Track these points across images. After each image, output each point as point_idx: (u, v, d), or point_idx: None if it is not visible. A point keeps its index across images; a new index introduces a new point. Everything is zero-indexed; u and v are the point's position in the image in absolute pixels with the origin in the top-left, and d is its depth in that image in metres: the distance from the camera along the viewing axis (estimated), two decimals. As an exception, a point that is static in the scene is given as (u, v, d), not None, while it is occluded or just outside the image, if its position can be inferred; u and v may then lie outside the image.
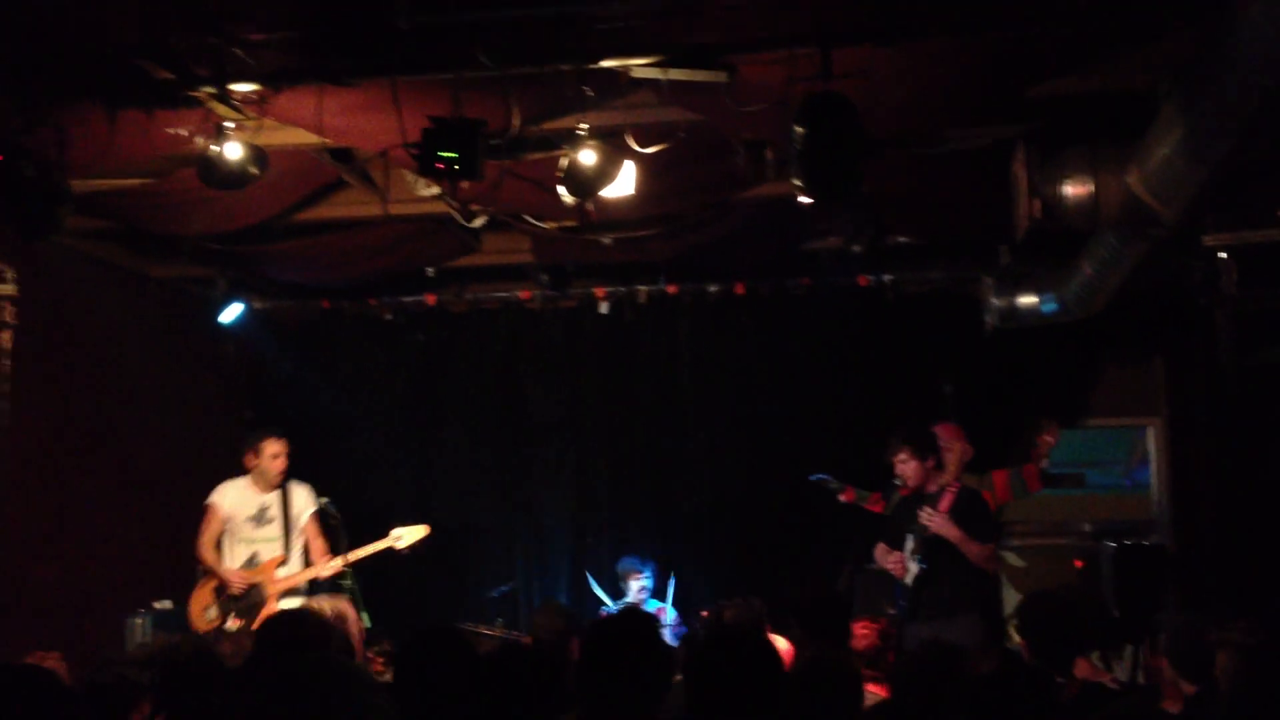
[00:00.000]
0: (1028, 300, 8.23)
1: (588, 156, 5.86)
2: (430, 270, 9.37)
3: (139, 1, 5.03)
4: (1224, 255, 6.56)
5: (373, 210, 7.39)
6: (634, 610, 7.74)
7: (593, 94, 5.54)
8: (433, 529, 9.51)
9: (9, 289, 7.16)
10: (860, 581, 8.43)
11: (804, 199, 5.49)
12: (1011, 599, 8.91)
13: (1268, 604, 7.21)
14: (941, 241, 8.88)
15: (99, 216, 7.46)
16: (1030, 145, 6.13)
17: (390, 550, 7.82)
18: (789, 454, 9.51)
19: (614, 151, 5.96)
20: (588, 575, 9.26)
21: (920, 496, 7.13)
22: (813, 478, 8.91)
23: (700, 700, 3.50)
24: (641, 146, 6.08)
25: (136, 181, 7.02)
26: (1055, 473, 8.76)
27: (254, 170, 6.00)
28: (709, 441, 9.85)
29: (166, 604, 8.15)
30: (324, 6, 5.18)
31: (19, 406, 7.26)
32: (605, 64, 5.33)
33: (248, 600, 7.59)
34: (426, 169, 5.49)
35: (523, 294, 9.83)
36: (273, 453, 7.77)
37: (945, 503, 6.94)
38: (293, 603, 7.29)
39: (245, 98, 5.62)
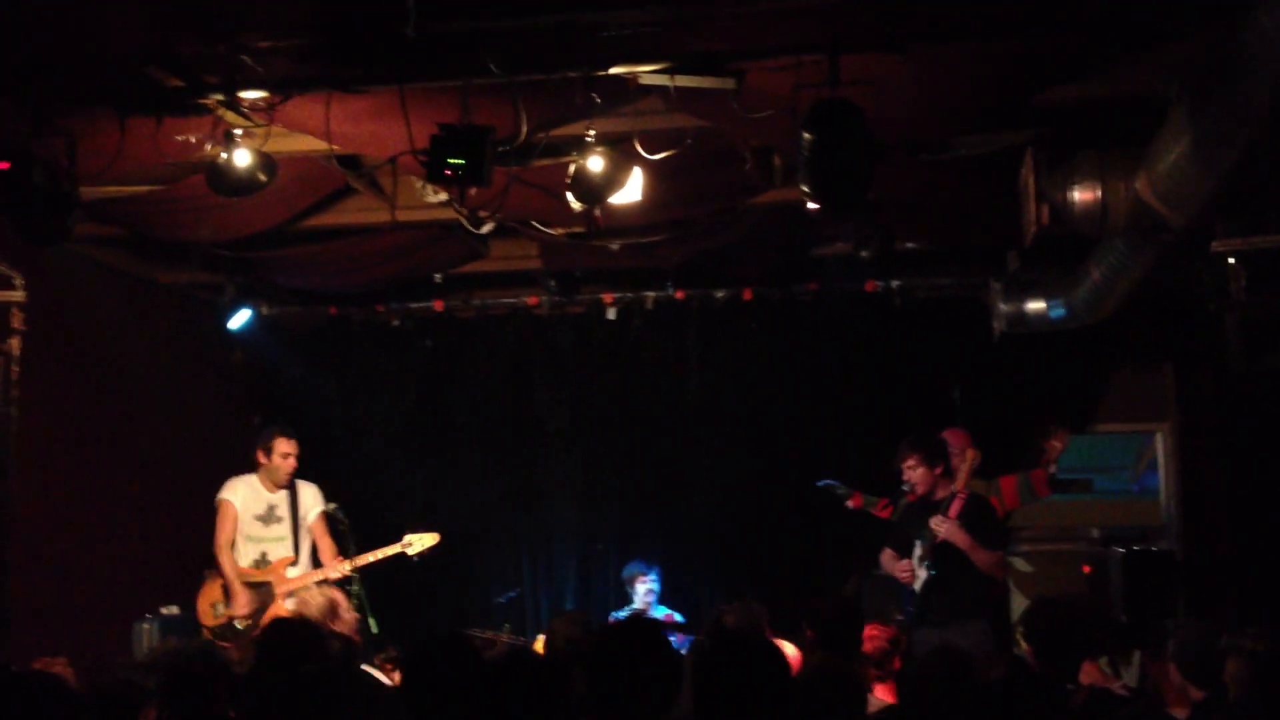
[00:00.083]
0: (1036, 306, 8.22)
1: (596, 163, 5.86)
2: (438, 276, 9.38)
3: (148, 9, 5.04)
4: (1233, 261, 6.54)
5: (381, 217, 7.40)
6: (641, 618, 7.77)
7: (601, 101, 5.55)
8: (441, 534, 9.54)
9: (18, 295, 7.17)
10: (867, 587, 8.42)
11: (812, 205, 5.49)
12: (1020, 605, 8.88)
13: (1277, 610, 7.19)
14: (950, 247, 8.88)
15: (108, 223, 7.47)
16: (1039, 151, 6.12)
17: (401, 556, 7.81)
18: (797, 460, 9.51)
19: (622, 158, 5.96)
20: None
21: (928, 503, 7.12)
22: (820, 483, 8.90)
23: (708, 706, 3.50)
24: (649, 153, 6.09)
25: (145, 188, 7.04)
26: (1063, 478, 8.73)
27: (262, 177, 6.02)
28: (716, 447, 9.84)
29: (174, 609, 8.16)
30: (332, 14, 5.18)
31: (27, 412, 7.27)
32: (613, 71, 5.34)
33: (256, 598, 7.60)
34: (435, 175, 5.51)
35: (531, 300, 9.83)
36: (283, 451, 7.76)
37: (954, 509, 6.93)
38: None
39: (254, 105, 5.63)
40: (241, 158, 5.88)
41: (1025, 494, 8.31)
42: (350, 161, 6.88)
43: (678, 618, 8.71)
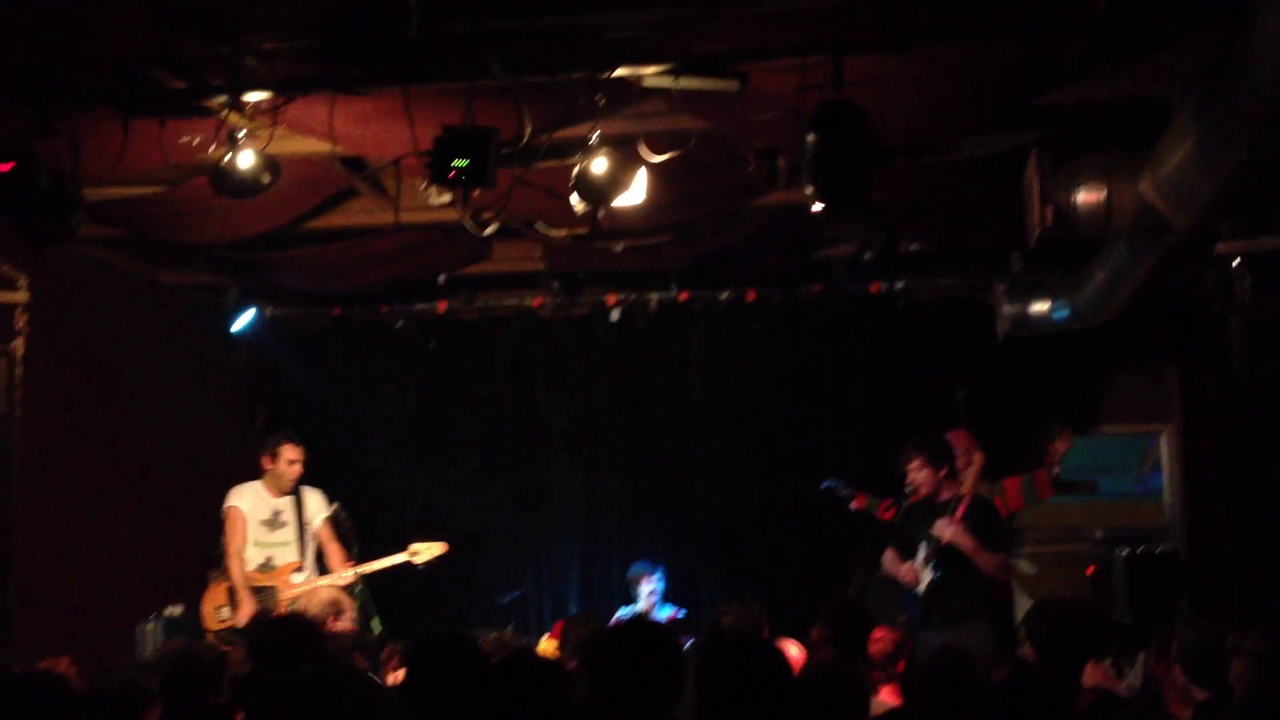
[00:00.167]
0: (1040, 307, 8.22)
1: (599, 164, 5.86)
2: (441, 278, 9.38)
3: (152, 11, 5.04)
4: (1237, 262, 6.54)
5: (384, 218, 7.40)
6: (643, 619, 7.77)
7: (604, 102, 5.55)
8: (443, 534, 9.53)
9: (22, 296, 7.19)
10: (870, 588, 8.42)
11: (816, 207, 5.49)
12: (1024, 606, 8.88)
13: (1281, 612, 7.19)
14: (953, 249, 8.88)
15: (111, 224, 7.48)
16: (1043, 152, 6.11)
17: (407, 565, 7.80)
18: (800, 461, 9.50)
19: (626, 160, 5.96)
20: None
21: (931, 505, 7.13)
22: (824, 485, 8.90)
23: (711, 707, 3.50)
24: (653, 154, 6.08)
25: (149, 190, 7.05)
26: (1067, 479, 8.73)
27: (266, 179, 6.02)
28: (720, 448, 9.84)
29: (177, 609, 8.16)
30: (336, 16, 5.18)
31: (31, 413, 7.29)
32: (617, 73, 5.33)
33: (260, 604, 7.60)
34: (439, 177, 5.50)
35: (534, 301, 9.83)
36: (289, 458, 7.76)
37: (959, 512, 6.94)
38: None
39: (258, 106, 5.64)
40: (245, 159, 5.88)
41: (1029, 495, 8.30)
42: (354, 163, 6.89)
43: (682, 614, 8.72)
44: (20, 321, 7.23)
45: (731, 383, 9.80)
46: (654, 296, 9.71)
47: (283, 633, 4.60)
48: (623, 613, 8.78)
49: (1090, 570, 9.32)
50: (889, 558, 7.36)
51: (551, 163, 6.18)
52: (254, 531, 7.74)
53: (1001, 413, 8.94)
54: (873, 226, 8.09)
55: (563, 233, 7.91)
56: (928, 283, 9.32)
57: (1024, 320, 8.30)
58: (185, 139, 5.88)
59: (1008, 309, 8.32)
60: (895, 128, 5.47)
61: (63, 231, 5.96)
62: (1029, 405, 9.12)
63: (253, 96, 5.55)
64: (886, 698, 5.33)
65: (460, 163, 5.38)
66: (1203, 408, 9.40)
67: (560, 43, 5.18)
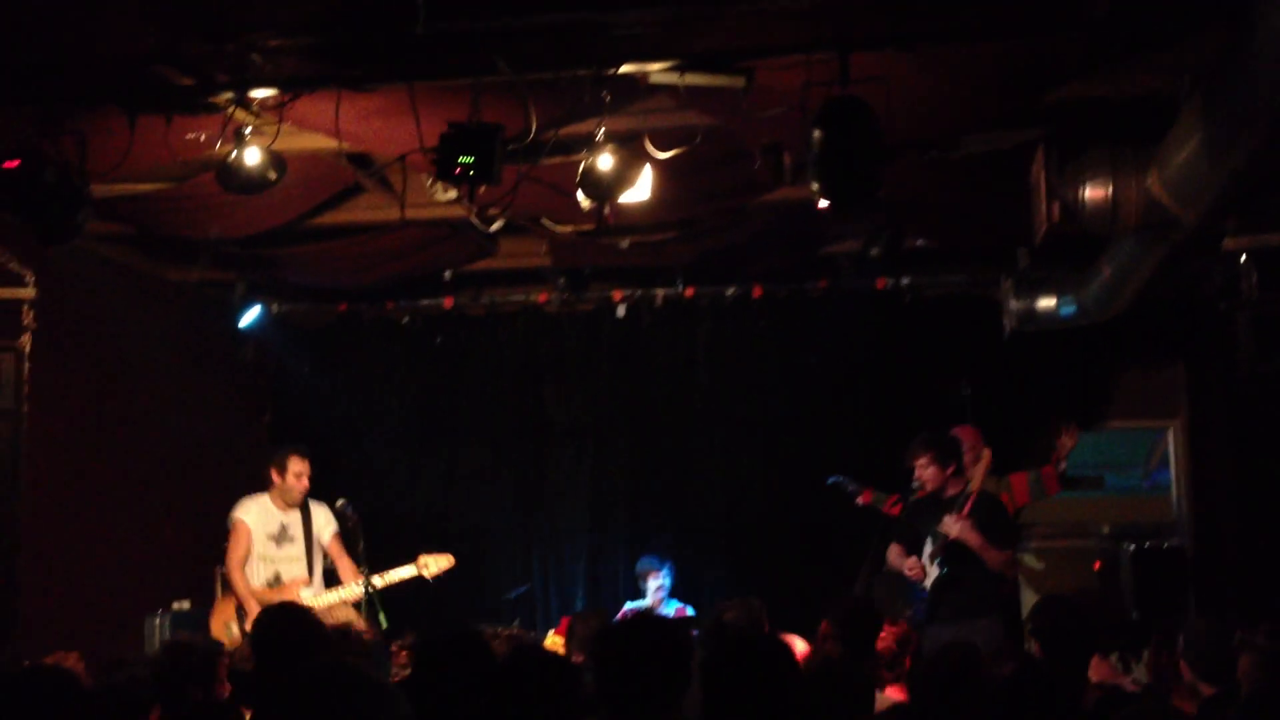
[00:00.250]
0: (1046, 303, 8.21)
1: (605, 161, 5.86)
2: (448, 274, 9.38)
3: (158, 8, 5.04)
4: (1244, 258, 6.54)
5: (390, 214, 7.40)
6: (649, 614, 7.77)
7: (610, 99, 5.54)
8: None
9: (28, 293, 7.20)
10: (877, 584, 8.42)
11: (822, 203, 5.49)
12: (1030, 602, 8.88)
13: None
14: (960, 245, 8.87)
15: (118, 221, 7.49)
16: (1049, 149, 6.11)
17: (418, 578, 7.80)
18: (806, 456, 9.50)
19: (631, 156, 5.96)
20: None
21: (937, 500, 7.13)
22: (830, 480, 8.90)
23: (716, 702, 3.50)
24: (659, 151, 6.08)
25: (156, 186, 7.06)
26: (1074, 475, 8.72)
27: (272, 175, 6.03)
28: (726, 444, 9.85)
29: (185, 604, 8.18)
30: (342, 13, 5.18)
31: (38, 409, 7.30)
32: (623, 69, 5.33)
33: None
34: (445, 173, 5.50)
35: (540, 297, 9.84)
36: (297, 470, 7.72)
37: (966, 508, 6.94)
38: None
39: (264, 103, 5.64)
40: (251, 156, 5.89)
41: (1036, 491, 8.30)
42: (360, 159, 6.89)
43: (690, 612, 8.72)
44: (27, 318, 7.25)
45: (737, 379, 9.81)
46: (660, 292, 9.71)
47: (286, 629, 4.59)
48: (629, 608, 8.79)
49: (1097, 566, 9.32)
50: (894, 553, 7.36)
51: (557, 159, 6.18)
52: (261, 546, 7.70)
53: (1008, 408, 8.95)
54: (879, 223, 8.09)
55: (569, 229, 7.91)
56: (934, 279, 9.31)
57: (1030, 316, 8.29)
58: (192, 136, 5.88)
59: (1014, 305, 8.32)
60: (901, 124, 5.46)
61: (69, 228, 5.96)
62: (1035, 401, 9.12)
63: (259, 93, 5.55)
64: (892, 694, 5.32)
65: (466, 159, 5.38)
66: (1210, 403, 9.40)
67: (566, 39, 5.17)
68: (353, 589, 7.51)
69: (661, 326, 9.87)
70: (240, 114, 5.69)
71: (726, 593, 8.94)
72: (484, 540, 9.87)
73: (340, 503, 7.83)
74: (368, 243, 8.30)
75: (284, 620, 4.67)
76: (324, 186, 7.35)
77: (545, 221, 7.82)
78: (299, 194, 7.12)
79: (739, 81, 5.39)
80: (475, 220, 7.24)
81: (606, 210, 6.31)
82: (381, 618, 7.31)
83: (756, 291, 9.61)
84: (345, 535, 7.81)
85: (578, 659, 5.33)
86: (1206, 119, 4.85)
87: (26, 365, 7.19)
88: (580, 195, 6.01)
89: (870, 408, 9.44)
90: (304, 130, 6.06)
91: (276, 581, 7.64)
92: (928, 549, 7.07)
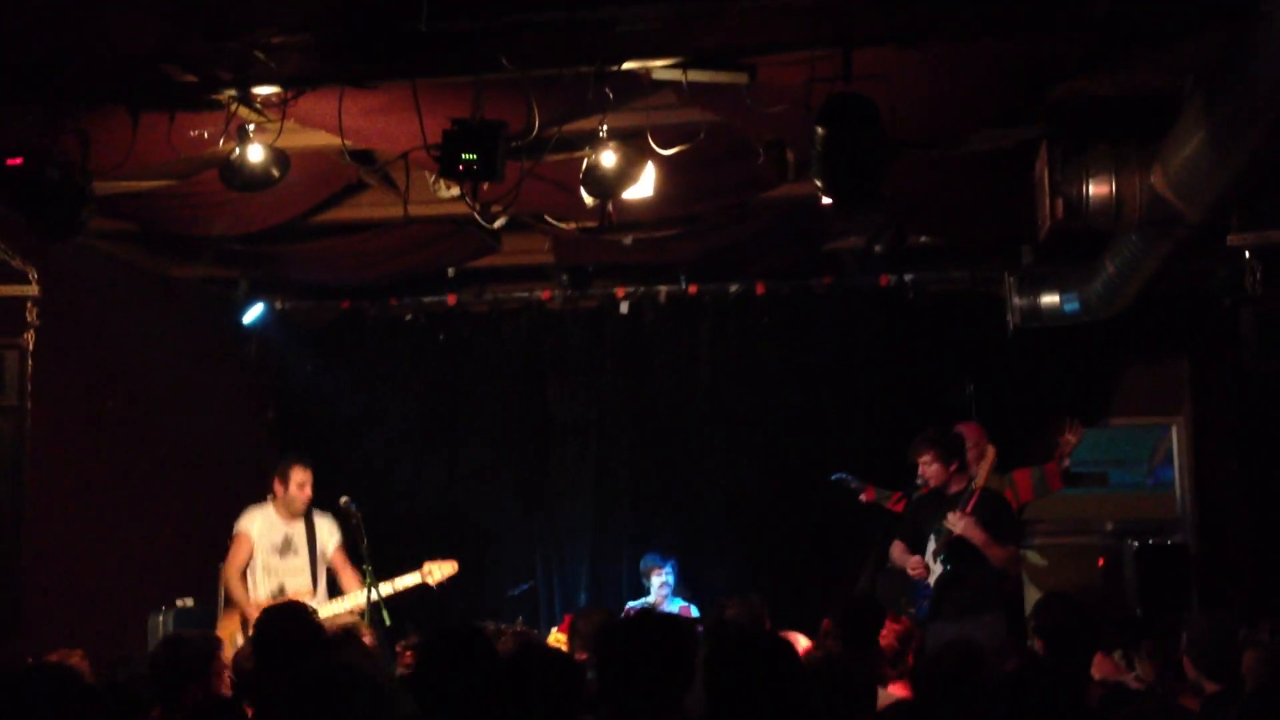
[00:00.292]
0: (1050, 300, 8.21)
1: (608, 158, 5.86)
2: (451, 271, 9.38)
3: (161, 6, 5.04)
4: (1248, 255, 6.52)
5: (393, 211, 7.40)
6: (651, 612, 7.77)
7: (613, 96, 5.54)
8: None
9: (32, 290, 7.20)
10: (880, 581, 8.42)
11: (825, 200, 5.48)
12: (1034, 598, 8.88)
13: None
14: (963, 241, 8.86)
15: (121, 218, 7.49)
16: (1053, 145, 6.10)
17: (423, 585, 7.80)
18: (809, 453, 9.50)
19: (635, 153, 5.96)
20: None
21: (940, 497, 7.13)
22: (834, 477, 8.89)
23: (720, 699, 3.50)
24: (662, 148, 6.08)
25: (159, 184, 7.06)
26: (1078, 471, 8.71)
27: (275, 172, 6.03)
28: (729, 440, 9.85)
29: (188, 602, 8.19)
30: (345, 9, 5.18)
31: (42, 406, 7.30)
32: (626, 66, 5.33)
33: None
34: (448, 170, 5.51)
35: (543, 294, 9.85)
36: (299, 481, 7.69)
37: (970, 505, 6.94)
38: None
39: (267, 100, 5.64)
40: (255, 153, 5.89)
41: (1039, 487, 8.29)
42: (363, 156, 6.88)
43: (693, 610, 8.72)
44: (30, 315, 7.24)
45: (741, 375, 9.80)
46: (663, 289, 9.72)
47: (288, 629, 4.60)
48: (632, 605, 8.79)
49: (1101, 562, 9.31)
50: (897, 550, 7.36)
51: (560, 156, 6.18)
52: (265, 558, 7.66)
53: (1012, 405, 8.95)
54: (882, 219, 8.08)
55: (572, 226, 7.91)
56: (938, 275, 9.31)
57: (1034, 313, 8.29)
58: (195, 133, 5.88)
59: (1018, 301, 8.31)
60: (904, 121, 5.46)
61: (73, 225, 5.97)
62: (1039, 398, 9.11)
63: (262, 90, 5.56)
64: (897, 690, 5.32)
65: (469, 156, 5.38)
66: (1214, 400, 9.39)
67: (568, 36, 5.17)
68: (356, 598, 7.49)
69: (665, 323, 9.87)
70: (243, 111, 5.70)
71: (729, 590, 8.96)
72: (487, 537, 9.88)
73: (343, 500, 7.81)
74: (371, 240, 8.31)
75: (286, 620, 4.68)
76: (327, 184, 7.35)
77: (548, 218, 7.81)
78: (302, 191, 7.12)
79: (742, 78, 5.39)
80: (478, 217, 7.23)
81: (609, 207, 6.31)
82: (385, 615, 7.31)
83: (760, 288, 9.61)
84: (348, 532, 7.81)
85: (581, 657, 5.33)
86: (1209, 116, 4.85)
87: (30, 362, 7.19)
88: (583, 192, 6.01)
89: (874, 405, 9.43)
90: (307, 127, 6.06)
91: (281, 593, 7.60)
92: (931, 546, 7.07)
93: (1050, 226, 6.21)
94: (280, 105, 5.66)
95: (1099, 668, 5.33)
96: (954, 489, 7.11)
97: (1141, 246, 6.65)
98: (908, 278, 9.28)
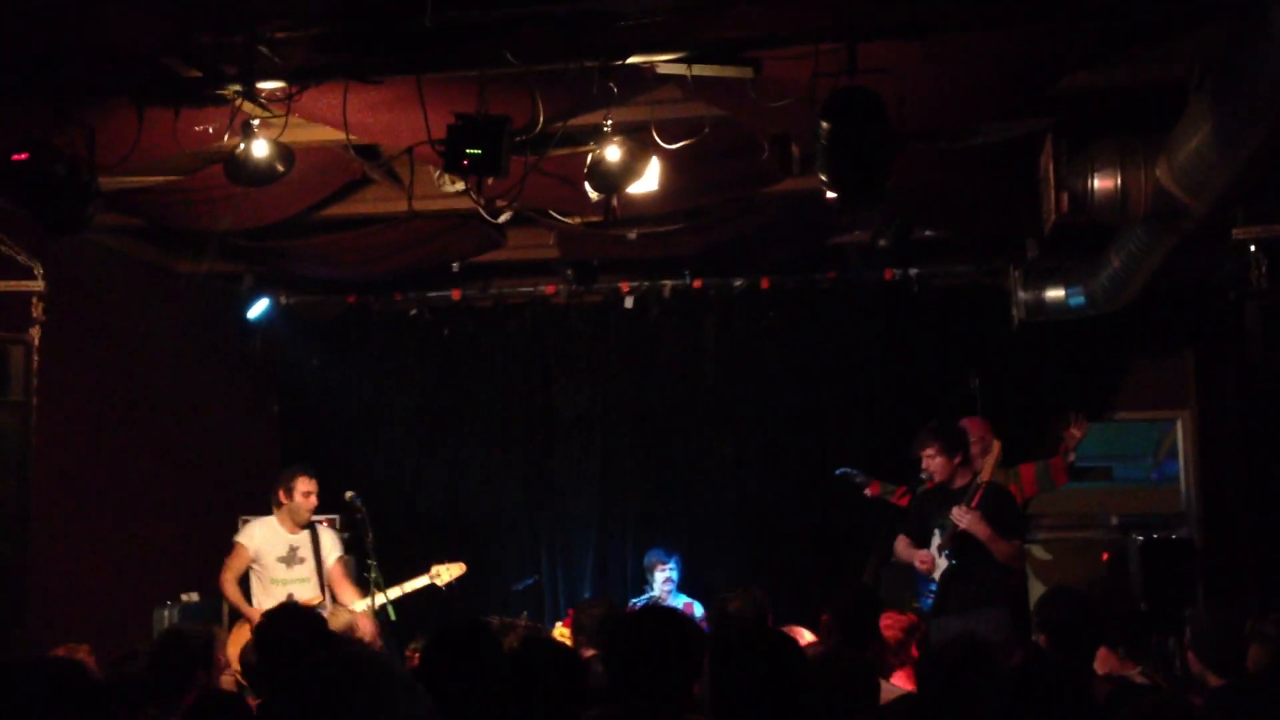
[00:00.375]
0: (1055, 294, 8.21)
1: (613, 152, 5.86)
2: (455, 265, 9.38)
3: (166, 1, 5.04)
4: (1254, 248, 6.51)
5: (398, 206, 7.40)
6: (657, 607, 7.78)
7: (618, 90, 5.53)
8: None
9: (37, 285, 7.20)
10: (885, 575, 8.43)
11: (830, 194, 5.48)
12: (1039, 592, 8.88)
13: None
14: (968, 235, 8.86)
15: (127, 213, 7.49)
16: (1058, 139, 6.10)
17: (430, 587, 7.81)
18: (814, 447, 9.51)
19: (639, 147, 5.95)
20: None
21: (945, 491, 7.12)
22: (838, 471, 8.90)
23: (725, 691, 3.50)
24: (667, 142, 6.07)
25: (164, 179, 7.06)
26: (1083, 466, 8.72)
27: (280, 167, 6.03)
28: (734, 435, 9.85)
29: (193, 596, 8.21)
30: (349, 4, 5.18)
31: (47, 401, 7.30)
32: (630, 60, 5.32)
33: None
34: (452, 165, 5.50)
35: (548, 289, 9.86)
36: (305, 490, 7.67)
37: (975, 500, 6.94)
38: None
39: (272, 95, 5.63)
40: (259, 148, 5.88)
41: (1044, 482, 8.30)
42: (368, 151, 6.89)
43: (697, 605, 8.73)
44: (36, 310, 7.24)
45: (745, 370, 9.81)
46: (668, 284, 9.72)
47: (290, 628, 4.60)
48: (636, 600, 8.80)
49: (1105, 557, 9.31)
50: (901, 544, 7.36)
51: (565, 151, 6.17)
52: (271, 569, 7.64)
53: (1017, 399, 8.94)
54: (887, 213, 8.08)
55: (576, 220, 7.90)
56: (943, 269, 9.31)
57: (1039, 307, 8.28)
58: (200, 128, 5.88)
59: (1023, 295, 8.31)
60: (909, 114, 5.45)
61: (78, 220, 5.96)
62: (1044, 392, 9.12)
63: (267, 85, 5.54)
64: (900, 681, 5.33)
65: (474, 151, 5.38)
66: (1219, 394, 9.38)
67: (573, 31, 5.16)
68: (364, 602, 7.49)
69: (669, 318, 9.87)
70: (248, 106, 5.69)
71: (733, 583, 8.97)
72: (491, 532, 9.90)
73: (348, 495, 7.83)
74: (375, 235, 8.30)
75: (288, 620, 4.69)
76: (332, 178, 7.35)
77: (553, 213, 7.81)
78: (307, 186, 7.12)
79: (747, 72, 5.38)
80: (483, 212, 7.23)
81: (614, 202, 6.30)
82: (390, 610, 7.32)
83: (764, 283, 9.62)
84: (353, 527, 7.81)
85: (587, 653, 5.33)
86: (1215, 109, 4.84)
87: (35, 358, 7.19)
88: (588, 187, 6.01)
89: (878, 399, 9.44)
90: (312, 122, 6.06)
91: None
92: (936, 540, 7.07)
93: (1055, 220, 6.21)
94: (285, 100, 5.65)
95: (1103, 663, 5.33)
96: (959, 483, 7.11)
97: (1146, 240, 6.64)
98: (912, 272, 9.28)
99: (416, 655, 6.63)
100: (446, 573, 7.88)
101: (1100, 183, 5.80)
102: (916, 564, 7.17)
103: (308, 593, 7.63)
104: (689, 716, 3.56)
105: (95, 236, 7.61)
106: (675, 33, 5.23)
